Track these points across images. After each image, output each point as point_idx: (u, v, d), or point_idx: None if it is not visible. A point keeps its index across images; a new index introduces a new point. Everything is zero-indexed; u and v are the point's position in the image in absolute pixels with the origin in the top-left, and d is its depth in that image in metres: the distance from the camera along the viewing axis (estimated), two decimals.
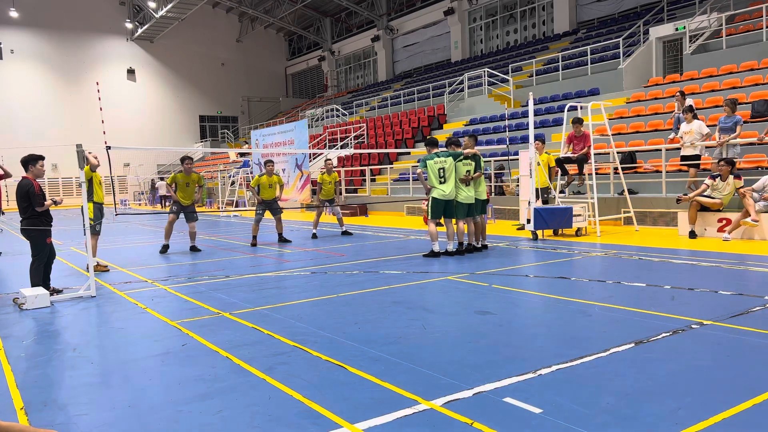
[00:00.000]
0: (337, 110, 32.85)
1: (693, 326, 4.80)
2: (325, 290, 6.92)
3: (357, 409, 3.37)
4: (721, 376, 3.68)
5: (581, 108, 14.11)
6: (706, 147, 11.68)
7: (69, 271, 9.38)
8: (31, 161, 7.01)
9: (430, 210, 9.24)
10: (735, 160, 10.62)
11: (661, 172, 12.68)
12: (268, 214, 12.62)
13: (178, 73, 45.33)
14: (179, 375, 4.09)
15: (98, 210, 9.22)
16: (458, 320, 5.32)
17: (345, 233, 13.25)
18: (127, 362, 4.45)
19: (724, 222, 10.12)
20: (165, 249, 11.02)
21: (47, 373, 4.27)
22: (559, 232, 11.49)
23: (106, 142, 9.02)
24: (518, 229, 12.71)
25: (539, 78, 22.14)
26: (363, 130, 25.97)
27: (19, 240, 13.07)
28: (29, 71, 39.46)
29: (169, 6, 36.17)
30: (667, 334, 4.60)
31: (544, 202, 11.84)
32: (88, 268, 7.34)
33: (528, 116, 11.12)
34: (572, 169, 12.69)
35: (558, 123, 17.89)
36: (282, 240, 12.23)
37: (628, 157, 13.46)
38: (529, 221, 10.73)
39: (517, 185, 14.38)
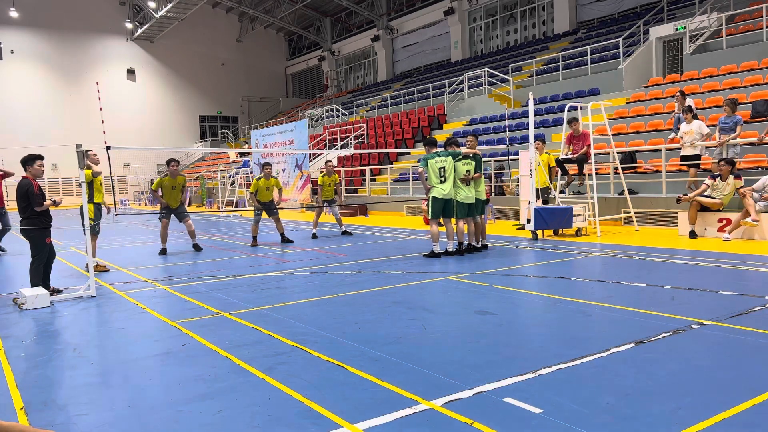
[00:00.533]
0: (337, 110, 32.85)
1: (693, 326, 4.80)
2: (325, 290, 6.92)
3: (357, 409, 3.37)
4: (721, 376, 3.68)
5: (581, 108, 14.11)
6: (706, 147, 11.68)
7: (69, 271, 9.38)
8: (29, 161, 7.01)
9: (430, 209, 9.24)
10: (735, 160, 10.62)
11: (661, 172, 12.68)
12: (266, 215, 12.64)
13: (178, 73, 45.32)
14: (179, 375, 4.09)
15: (98, 210, 9.23)
16: (458, 320, 5.32)
17: (345, 233, 13.25)
18: (127, 362, 4.45)
19: (724, 222, 10.12)
20: (163, 252, 11.04)
21: (47, 373, 4.27)
22: (559, 232, 11.49)
23: (106, 142, 9.02)
24: (518, 229, 12.71)
25: (539, 78, 22.14)
26: (363, 130, 25.97)
27: (19, 240, 13.07)
28: (29, 71, 39.45)
29: (169, 6, 36.16)
30: (667, 334, 4.60)
31: (545, 202, 11.84)
32: (88, 268, 7.34)
33: (528, 116, 11.12)
34: (572, 169, 12.69)
35: (558, 123, 17.89)
36: (285, 240, 12.24)
37: (628, 157, 13.46)
38: (529, 221, 10.73)
39: (517, 185, 14.38)
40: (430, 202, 9.24)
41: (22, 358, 4.65)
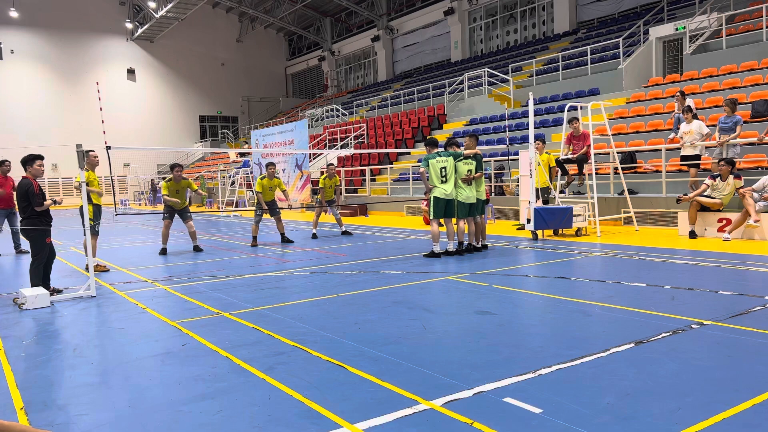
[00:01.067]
0: (337, 110, 32.85)
1: (693, 326, 4.80)
2: (325, 290, 6.92)
3: (357, 409, 3.37)
4: (721, 376, 3.67)
5: (581, 108, 14.12)
6: (706, 147, 11.68)
7: (69, 271, 9.38)
8: (29, 161, 7.01)
9: (432, 209, 9.24)
10: (735, 160, 10.62)
11: (661, 172, 12.68)
12: (267, 215, 12.64)
13: (178, 73, 45.33)
14: (179, 375, 4.09)
15: (97, 210, 9.23)
16: (458, 320, 5.32)
17: (345, 233, 13.26)
18: (127, 362, 4.45)
19: (724, 222, 10.12)
20: (163, 252, 11.04)
21: (47, 373, 4.27)
22: (559, 232, 11.49)
23: (106, 142, 9.04)
24: (518, 229, 12.71)
25: (539, 78, 22.14)
26: (363, 130, 25.97)
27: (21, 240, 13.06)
28: (29, 71, 39.47)
29: (169, 6, 36.17)
30: (667, 334, 4.60)
31: (545, 202, 11.84)
32: (88, 268, 7.34)
33: (528, 116, 11.12)
34: (572, 169, 12.70)
35: (558, 123, 17.90)
36: (285, 240, 12.24)
37: (628, 157, 13.46)
38: (529, 221, 10.73)
39: (517, 185, 14.38)
40: (432, 203, 9.24)
41: (22, 358, 4.65)
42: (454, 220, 9.53)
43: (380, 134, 25.43)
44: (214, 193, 30.17)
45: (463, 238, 9.64)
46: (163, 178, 34.06)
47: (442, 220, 9.43)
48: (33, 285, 6.98)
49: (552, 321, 5.19)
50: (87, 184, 8.78)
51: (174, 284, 7.74)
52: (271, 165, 12.25)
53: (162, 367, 4.28)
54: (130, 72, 43.46)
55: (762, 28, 15.84)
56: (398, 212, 19.27)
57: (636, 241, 10.17)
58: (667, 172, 12.54)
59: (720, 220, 10.22)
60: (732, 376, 3.67)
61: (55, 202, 7.25)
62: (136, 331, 5.36)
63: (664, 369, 3.83)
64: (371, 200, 20.73)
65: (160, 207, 11.10)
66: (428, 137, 13.63)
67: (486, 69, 23.71)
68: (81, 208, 7.43)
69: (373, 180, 22.43)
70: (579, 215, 11.03)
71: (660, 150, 12.87)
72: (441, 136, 20.95)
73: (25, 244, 12.36)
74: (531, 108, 10.89)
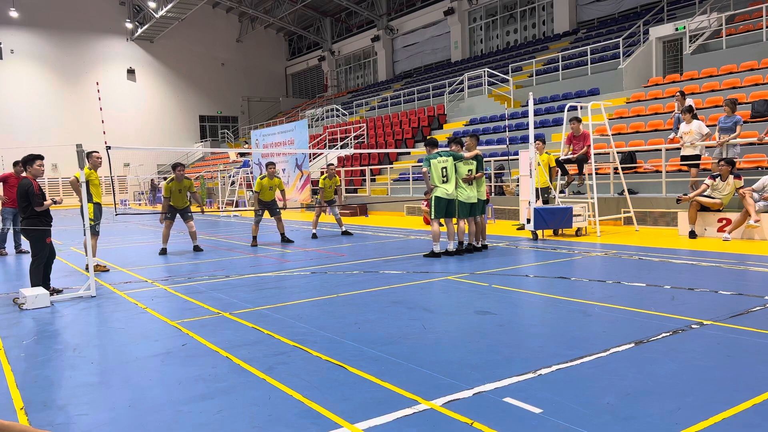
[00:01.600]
0: (337, 110, 32.85)
1: (693, 326, 4.80)
2: (325, 290, 6.92)
3: (357, 409, 3.37)
4: (721, 376, 3.67)
5: (581, 108, 14.12)
6: (706, 147, 11.68)
7: (69, 271, 9.38)
8: (29, 161, 7.02)
9: (433, 209, 9.24)
10: (735, 160, 10.62)
11: (661, 172, 12.68)
12: (267, 215, 12.64)
13: (178, 73, 45.33)
14: (179, 375, 4.09)
15: (98, 210, 9.23)
16: (458, 320, 5.32)
17: (345, 233, 13.25)
18: (127, 362, 4.45)
19: (724, 222, 10.12)
20: (163, 252, 11.04)
21: (47, 373, 4.27)
22: (559, 232, 11.49)
23: (106, 142, 9.04)
24: (518, 229, 12.71)
25: (539, 78, 22.14)
26: (363, 130, 25.98)
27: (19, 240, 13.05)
28: (29, 71, 39.47)
29: (169, 6, 36.17)
30: (667, 334, 4.60)
31: (545, 202, 11.84)
32: (88, 268, 7.34)
33: (528, 116, 11.12)
34: (572, 169, 12.70)
35: (558, 123, 17.90)
36: (285, 240, 12.23)
37: (628, 157, 13.46)
38: (529, 221, 10.73)
39: (517, 185, 14.39)
40: (433, 202, 9.24)
41: (22, 358, 4.65)
42: (454, 220, 9.53)
43: (380, 134, 25.43)
44: (214, 193, 30.17)
45: (463, 237, 9.65)
46: (164, 178, 34.13)
47: (442, 220, 9.43)
48: (33, 285, 6.98)
49: (552, 321, 5.19)
50: (87, 182, 8.81)
51: (174, 284, 7.74)
52: (270, 165, 12.24)
53: (162, 367, 4.28)
54: (130, 72, 43.46)
55: (762, 28, 15.84)
56: (398, 212, 19.27)
57: (636, 241, 10.17)
58: (667, 172, 12.54)
59: (720, 220, 10.22)
60: (732, 376, 3.67)
61: (54, 202, 7.25)
62: (136, 331, 5.36)
63: (664, 369, 3.83)
64: (371, 200, 20.72)
65: (160, 207, 11.12)
66: (428, 137, 13.64)
67: (486, 69, 23.71)
68: (81, 207, 7.41)
69: (373, 180, 22.43)
70: (579, 215, 11.03)
71: (660, 150, 12.87)
72: (441, 136, 20.95)
73: (25, 243, 12.38)
74: (531, 108, 10.89)
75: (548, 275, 7.33)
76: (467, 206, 9.45)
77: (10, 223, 11.93)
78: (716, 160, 10.75)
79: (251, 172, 23.75)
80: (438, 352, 4.40)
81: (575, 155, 11.78)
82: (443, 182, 9.15)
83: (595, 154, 11.61)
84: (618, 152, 12.77)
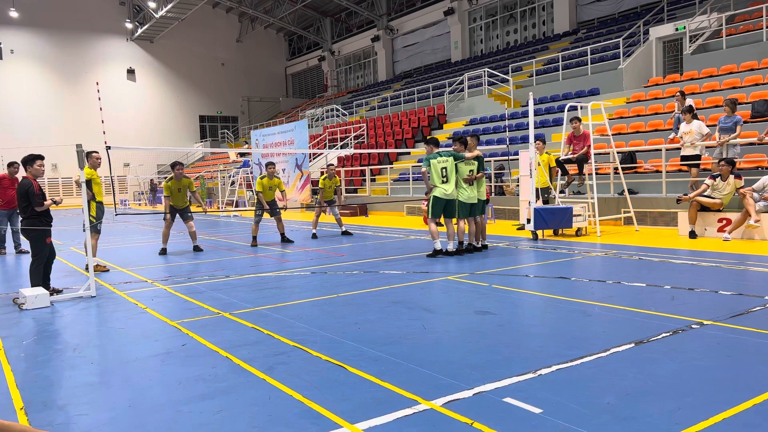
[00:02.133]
0: (337, 110, 32.85)
1: (693, 326, 4.80)
2: (325, 290, 6.92)
3: (357, 409, 3.37)
4: (721, 376, 3.67)
5: (581, 108, 14.12)
6: (706, 147, 11.68)
7: (69, 271, 9.38)
8: (29, 161, 7.02)
9: (430, 208, 9.24)
10: (735, 160, 10.61)
11: (661, 172, 12.68)
12: (267, 215, 12.63)
13: (178, 73, 45.34)
14: (179, 375, 4.09)
15: (100, 209, 9.24)
16: (458, 320, 5.32)
17: (345, 233, 13.25)
18: (127, 362, 4.45)
19: (724, 222, 10.12)
20: (163, 252, 11.04)
21: (47, 373, 4.27)
22: (559, 232, 11.49)
23: (106, 142, 9.04)
24: (518, 229, 12.71)
25: (539, 78, 22.14)
26: (363, 130, 25.97)
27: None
28: (29, 71, 39.47)
29: (169, 6, 36.17)
30: (667, 334, 4.60)
31: (545, 202, 11.84)
32: (88, 268, 7.34)
33: (528, 116, 11.12)
34: (572, 169, 12.70)
35: (558, 123, 17.89)
36: (285, 240, 12.23)
37: (628, 157, 13.46)
38: (529, 221, 10.73)
39: (517, 185, 14.38)
40: (431, 202, 9.24)
41: (22, 358, 4.65)
42: (454, 220, 9.53)
43: (380, 134, 25.43)
44: (214, 193, 30.17)
45: (463, 238, 9.64)
46: (164, 178, 34.15)
47: (442, 220, 9.42)
48: (33, 285, 6.98)
49: (552, 321, 5.19)
50: (90, 181, 8.81)
51: (174, 284, 7.74)
52: (270, 165, 12.24)
53: (162, 367, 4.27)
54: (130, 72, 43.46)
55: (762, 28, 15.84)
56: (398, 212, 19.27)
57: (636, 241, 10.17)
58: (667, 172, 12.54)
59: (720, 220, 10.22)
60: (732, 376, 3.67)
61: (55, 202, 7.25)
62: (136, 331, 5.36)
63: (664, 369, 3.83)
64: (371, 200, 20.72)
65: (160, 207, 11.11)
66: (430, 136, 13.63)
67: (486, 69, 23.71)
68: (87, 204, 7.40)
69: (373, 180, 22.43)
70: (579, 215, 11.03)
71: (660, 150, 12.87)
72: (441, 136, 20.95)
73: (24, 243, 12.38)
74: (531, 108, 10.89)
75: (548, 275, 7.33)
76: (467, 206, 9.45)
77: (7, 224, 11.93)
78: (716, 160, 10.75)
79: (251, 172, 23.75)
80: (438, 352, 4.40)
81: (575, 155, 11.78)
82: (443, 182, 9.15)
83: (595, 154, 11.62)
84: (618, 152, 12.77)
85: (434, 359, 4.21)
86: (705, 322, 4.88)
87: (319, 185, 13.21)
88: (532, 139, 10.91)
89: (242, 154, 33.09)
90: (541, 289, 6.55)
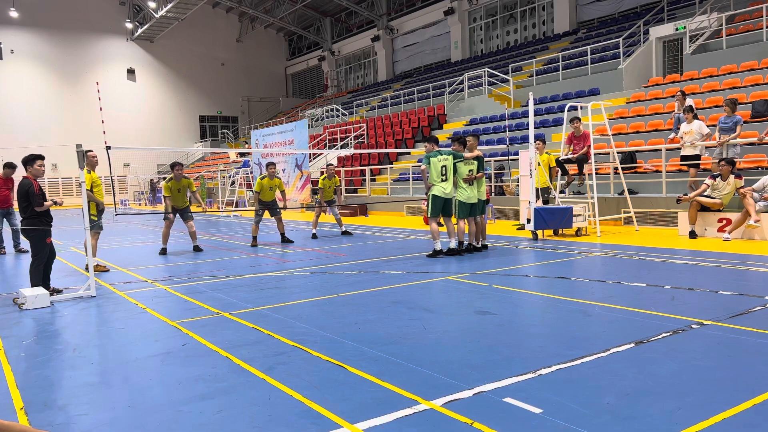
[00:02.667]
0: (337, 110, 32.85)
1: (693, 326, 4.80)
2: (325, 290, 6.92)
3: (357, 409, 3.37)
4: (721, 376, 3.68)
5: (581, 108, 14.12)
6: (706, 147, 11.68)
7: (69, 271, 9.38)
8: (30, 161, 7.01)
9: (429, 207, 9.25)
10: (735, 160, 10.61)
11: (661, 172, 12.68)
12: (267, 215, 12.64)
13: (178, 73, 45.33)
14: (179, 375, 4.09)
15: (99, 209, 9.24)
16: (458, 320, 5.32)
17: (345, 233, 13.25)
18: (127, 362, 4.45)
19: (724, 222, 10.12)
20: (163, 252, 11.04)
21: (47, 373, 4.27)
22: (559, 232, 11.49)
23: (106, 142, 9.04)
24: (518, 229, 12.71)
25: (539, 78, 22.14)
26: (363, 130, 25.98)
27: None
28: (29, 71, 39.46)
29: (169, 6, 36.17)
30: (667, 334, 4.60)
31: (545, 202, 11.84)
32: (88, 268, 7.34)
33: (528, 116, 11.12)
34: (572, 169, 12.70)
35: (558, 123, 17.89)
36: (285, 240, 12.23)
37: (628, 157, 13.46)
38: (529, 221, 10.73)
39: (517, 185, 14.38)
40: (429, 201, 9.24)
41: (22, 358, 4.65)
42: (454, 219, 9.53)
43: (380, 134, 25.43)
44: (214, 193, 30.17)
45: (463, 237, 9.64)
46: (163, 178, 34.15)
47: (441, 219, 9.43)
48: (33, 285, 6.98)
49: (552, 321, 5.19)
50: (92, 187, 8.82)
51: (174, 284, 7.74)
52: (271, 165, 12.23)
53: (162, 367, 4.28)
54: (130, 72, 43.46)
55: (762, 28, 15.84)
56: (398, 212, 19.27)
57: (636, 241, 10.17)
58: (667, 172, 12.54)
59: (720, 220, 10.22)
60: (732, 376, 3.67)
61: (55, 203, 7.25)
62: (136, 331, 5.36)
63: (664, 369, 3.83)
64: (371, 200, 20.73)
65: (160, 207, 11.11)
66: (430, 135, 13.63)
67: (486, 69, 23.71)
68: (87, 203, 7.40)
69: (373, 180, 22.43)
70: (579, 215, 11.03)
71: (660, 150, 12.87)
72: (441, 136, 20.94)
73: (24, 243, 12.39)
74: (531, 108, 10.89)
75: (548, 275, 7.33)
76: (467, 206, 9.45)
77: (2, 223, 11.93)
78: (716, 160, 10.75)
79: (251, 172, 23.75)
80: (438, 352, 4.40)
81: (575, 155, 11.78)
82: (442, 181, 9.15)
83: (595, 154, 11.62)
84: (618, 152, 12.77)
85: (434, 359, 4.21)
86: (705, 322, 4.88)
87: (319, 185, 13.21)
88: (532, 139, 10.91)
89: (242, 154, 33.10)
90: (541, 289, 6.55)
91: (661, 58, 19.13)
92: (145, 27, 40.80)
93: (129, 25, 42.83)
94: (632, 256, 8.52)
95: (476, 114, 22.86)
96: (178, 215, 11.37)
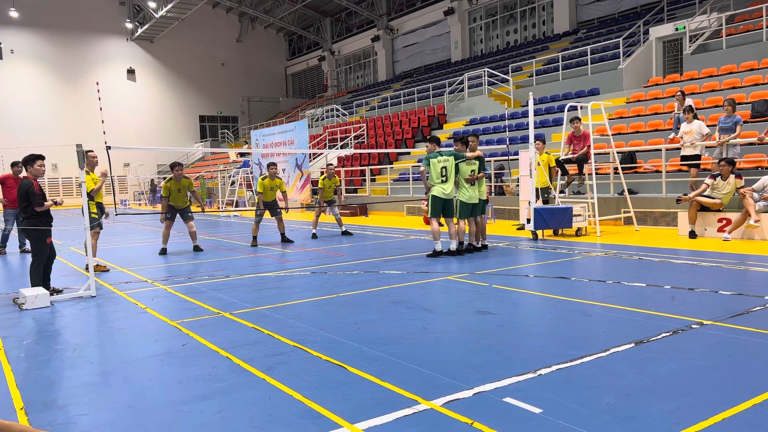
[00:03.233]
0: (337, 110, 32.85)
1: (693, 326, 4.80)
2: (325, 290, 6.92)
3: (357, 409, 3.37)
4: (721, 376, 3.68)
5: (581, 108, 14.12)
6: (706, 147, 11.68)
7: (69, 271, 9.38)
8: (30, 161, 7.01)
9: (430, 208, 9.25)
10: (735, 160, 10.61)
11: (661, 172, 12.68)
12: (267, 215, 12.64)
13: (178, 73, 45.33)
14: (179, 375, 4.09)
15: (99, 209, 9.24)
16: (458, 320, 5.32)
17: (345, 233, 13.25)
18: (127, 362, 4.45)
19: (724, 222, 10.12)
20: (163, 252, 11.04)
21: (47, 373, 4.27)
22: (559, 232, 11.49)
23: (106, 142, 9.03)
24: (518, 229, 12.71)
25: (539, 78, 22.14)
26: (363, 130, 25.98)
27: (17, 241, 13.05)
28: (29, 71, 39.46)
29: (169, 6, 36.17)
30: (667, 334, 4.60)
31: (545, 202, 11.84)
32: (88, 268, 7.34)
33: (528, 116, 11.12)
34: (572, 169, 12.70)
35: (558, 123, 17.89)
36: (285, 240, 12.23)
37: (628, 157, 13.46)
38: (529, 221, 10.73)
39: (517, 185, 14.38)
40: (430, 201, 9.24)
41: (22, 358, 4.65)
42: (454, 219, 9.53)
43: (380, 134, 25.43)
44: (214, 193, 30.17)
45: (463, 238, 9.64)
46: (164, 178, 34.15)
47: (442, 220, 9.43)
48: (33, 285, 6.98)
49: (552, 321, 5.19)
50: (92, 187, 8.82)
51: (174, 284, 7.74)
52: (272, 165, 12.22)
53: (162, 367, 4.28)
54: (130, 72, 43.46)
55: (762, 28, 15.84)
56: (398, 212, 19.27)
57: (636, 241, 10.17)
58: (667, 172, 12.54)
59: (720, 220, 10.22)
60: (732, 376, 3.67)
61: (55, 203, 7.25)
62: (136, 331, 5.36)
63: (664, 369, 3.83)
64: (371, 200, 20.73)
65: (160, 207, 11.12)
66: (432, 135, 13.62)
67: (486, 69, 23.71)
68: (83, 207, 7.41)
69: (373, 180, 22.43)
70: (579, 215, 11.03)
71: (660, 150, 12.87)
72: (441, 136, 20.94)
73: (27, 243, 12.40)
74: (531, 108, 10.89)
75: (548, 275, 7.33)
76: (469, 206, 9.45)
77: (12, 224, 11.94)
78: (716, 160, 10.75)
79: (251, 172, 23.75)
80: (438, 352, 4.40)
81: (575, 155, 11.78)
82: (442, 181, 9.15)
83: (595, 154, 11.62)
84: (618, 152, 12.77)
85: (434, 359, 4.21)
86: (705, 322, 4.88)
87: (319, 185, 13.21)
88: (532, 139, 10.91)
89: (242, 154, 33.09)
90: (541, 289, 6.55)
91: (661, 58, 19.13)
92: (145, 27, 40.80)
93: (129, 25, 42.83)
94: (632, 256, 8.52)
95: (476, 114, 22.85)
96: (178, 215, 11.36)
